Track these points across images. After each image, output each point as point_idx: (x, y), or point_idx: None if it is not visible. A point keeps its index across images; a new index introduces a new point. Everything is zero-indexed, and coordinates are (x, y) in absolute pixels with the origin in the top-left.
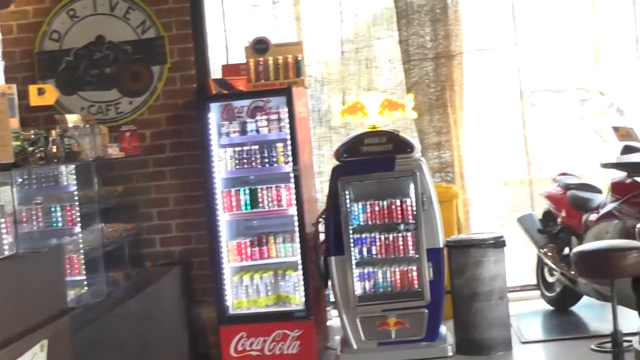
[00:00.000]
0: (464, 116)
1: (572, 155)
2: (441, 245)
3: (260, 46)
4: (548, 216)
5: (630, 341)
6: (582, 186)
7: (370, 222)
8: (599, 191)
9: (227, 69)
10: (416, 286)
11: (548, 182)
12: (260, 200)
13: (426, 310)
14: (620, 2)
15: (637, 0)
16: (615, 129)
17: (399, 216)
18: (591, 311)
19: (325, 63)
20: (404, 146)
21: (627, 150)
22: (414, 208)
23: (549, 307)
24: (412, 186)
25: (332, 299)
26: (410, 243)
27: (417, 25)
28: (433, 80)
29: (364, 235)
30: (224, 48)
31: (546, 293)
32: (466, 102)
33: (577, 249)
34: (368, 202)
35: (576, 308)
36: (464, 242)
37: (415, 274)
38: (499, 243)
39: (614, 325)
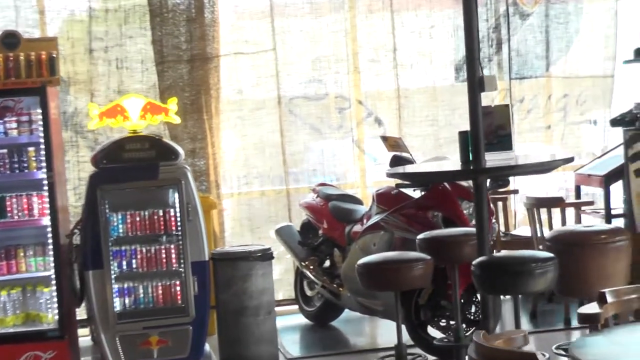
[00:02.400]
0: (220, 122)
1: (331, 166)
2: (207, 258)
3: (10, 40)
4: (307, 227)
5: (413, 354)
6: (343, 197)
7: (130, 234)
8: (360, 202)
9: None
10: (180, 302)
11: (306, 192)
12: (8, 209)
13: (190, 327)
14: (379, 11)
15: (395, 10)
16: (384, 138)
17: (162, 227)
18: (351, 325)
19: (71, 62)
20: (168, 153)
21: (396, 160)
22: (178, 219)
23: (308, 322)
24: (176, 195)
25: (85, 317)
26: (173, 256)
27: (172, 24)
28: (188, 83)
29: (123, 248)
30: None
31: (306, 307)
32: (222, 107)
33: (363, 261)
34: (128, 212)
35: (336, 323)
36: (231, 255)
37: (178, 288)
38: (266, 255)
39: (398, 338)
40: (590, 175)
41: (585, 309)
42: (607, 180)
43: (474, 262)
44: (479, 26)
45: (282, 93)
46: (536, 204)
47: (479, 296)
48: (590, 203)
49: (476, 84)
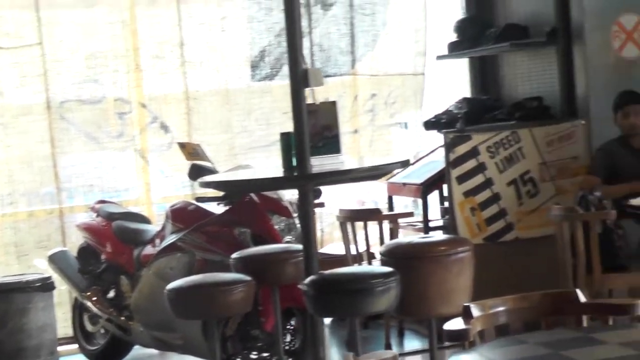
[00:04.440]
0: None
1: (111, 180)
2: None
3: None
4: (87, 252)
5: None
6: (127, 215)
7: None
8: (147, 221)
9: None
10: None
11: (83, 211)
12: None
13: None
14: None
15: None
16: (182, 145)
17: None
18: None
19: None
20: None
21: (195, 170)
22: None
23: None
24: None
25: None
26: None
27: None
28: None
29: None
30: None
31: (87, 346)
32: None
33: (173, 285)
34: None
35: None
36: (4, 286)
37: None
38: (47, 285)
39: None
40: (405, 184)
41: (451, 325)
42: (425, 189)
43: (306, 281)
44: (275, 18)
45: (52, 96)
46: (351, 217)
47: (293, 323)
48: (410, 214)
49: (300, 79)
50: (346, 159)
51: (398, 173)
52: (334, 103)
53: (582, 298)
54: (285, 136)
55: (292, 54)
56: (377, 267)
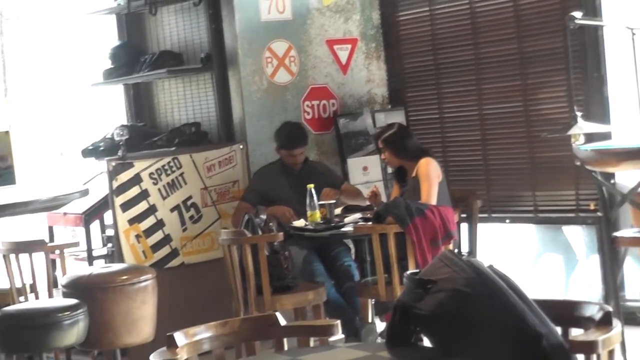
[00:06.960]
0: None
1: None
2: None
3: None
4: None
5: None
6: None
7: None
8: None
9: None
10: None
11: None
12: None
13: None
14: None
15: None
16: None
17: None
18: None
19: None
20: None
21: None
22: None
23: None
24: None
25: None
26: None
27: None
28: None
29: None
30: None
31: None
32: None
33: None
34: None
35: None
36: None
37: None
38: None
39: None
40: (65, 213)
41: (156, 357)
42: (87, 217)
43: None
44: None
45: None
46: (15, 249)
47: None
48: (76, 244)
49: None
50: (22, 190)
51: None
52: (7, 133)
53: (283, 321)
54: None
55: None
56: (62, 299)
